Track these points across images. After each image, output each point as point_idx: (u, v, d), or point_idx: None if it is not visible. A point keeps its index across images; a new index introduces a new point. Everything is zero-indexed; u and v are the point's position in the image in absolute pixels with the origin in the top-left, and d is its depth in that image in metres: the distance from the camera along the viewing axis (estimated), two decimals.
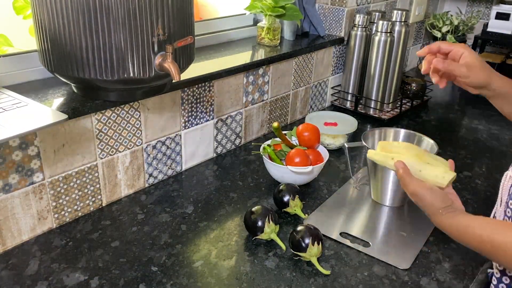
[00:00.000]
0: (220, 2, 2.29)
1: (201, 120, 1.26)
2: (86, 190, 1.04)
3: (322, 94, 1.72)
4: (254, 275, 0.89)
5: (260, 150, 1.21)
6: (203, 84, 1.22)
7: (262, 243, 0.98)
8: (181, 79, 0.99)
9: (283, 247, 0.96)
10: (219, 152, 1.36)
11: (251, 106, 1.41)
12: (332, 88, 1.75)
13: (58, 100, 0.96)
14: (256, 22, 1.62)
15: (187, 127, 1.23)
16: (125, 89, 0.96)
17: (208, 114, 1.27)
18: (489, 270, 0.90)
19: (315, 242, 0.90)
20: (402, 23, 1.61)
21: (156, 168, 1.19)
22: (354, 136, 1.43)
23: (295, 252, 0.92)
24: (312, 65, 1.61)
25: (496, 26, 2.07)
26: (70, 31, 0.83)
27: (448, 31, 2.14)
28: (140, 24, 0.85)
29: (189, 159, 1.27)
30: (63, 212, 1.01)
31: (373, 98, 1.65)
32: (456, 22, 2.13)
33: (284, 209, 1.07)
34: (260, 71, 1.39)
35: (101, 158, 1.05)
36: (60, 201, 1.00)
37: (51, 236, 0.98)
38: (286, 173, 1.15)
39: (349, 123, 1.45)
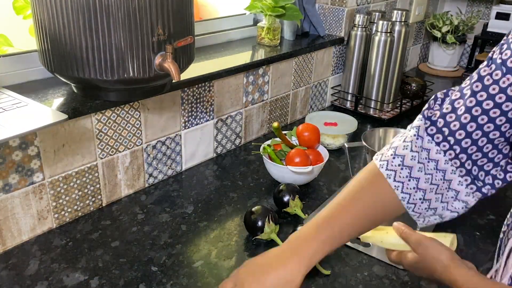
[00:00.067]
0: (220, 2, 2.29)
1: (201, 120, 1.26)
2: (86, 190, 1.04)
3: (322, 94, 1.72)
4: None
5: (260, 150, 1.21)
6: (203, 84, 1.22)
7: (262, 243, 0.98)
8: (181, 79, 0.99)
9: None
10: (219, 152, 1.36)
11: (251, 106, 1.41)
12: (332, 88, 1.75)
13: (58, 100, 0.96)
14: (256, 22, 1.62)
15: (187, 127, 1.23)
16: (125, 89, 0.96)
17: (208, 114, 1.27)
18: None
19: None
20: (402, 23, 1.61)
21: (156, 168, 1.19)
22: (354, 136, 1.43)
23: None
24: (312, 65, 1.61)
25: (496, 26, 2.07)
26: (70, 31, 0.83)
27: (448, 31, 2.14)
28: (140, 24, 0.85)
29: (189, 159, 1.27)
30: (63, 212, 1.01)
31: (373, 98, 1.65)
32: (456, 22, 2.13)
33: (284, 209, 1.07)
34: (260, 71, 1.39)
35: (101, 158, 1.05)
36: (60, 201, 1.00)
37: (51, 236, 0.98)
38: (286, 173, 1.14)
39: (349, 123, 1.45)
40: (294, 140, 1.27)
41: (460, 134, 0.66)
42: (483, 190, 0.69)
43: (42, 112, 0.87)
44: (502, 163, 0.68)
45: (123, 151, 1.09)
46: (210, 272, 0.90)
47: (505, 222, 0.77)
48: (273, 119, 1.51)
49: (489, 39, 2.14)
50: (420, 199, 0.69)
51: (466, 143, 0.66)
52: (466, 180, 0.68)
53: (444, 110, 0.68)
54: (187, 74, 1.14)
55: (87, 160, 1.02)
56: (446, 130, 0.67)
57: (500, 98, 0.61)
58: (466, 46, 2.29)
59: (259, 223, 0.96)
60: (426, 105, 0.74)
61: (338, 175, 1.27)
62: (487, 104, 0.62)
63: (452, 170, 0.68)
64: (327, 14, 1.69)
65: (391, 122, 1.62)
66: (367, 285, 0.88)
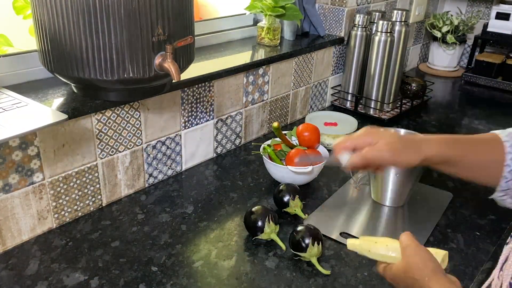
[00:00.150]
0: (220, 2, 2.29)
1: (201, 120, 1.26)
2: (86, 190, 1.04)
3: (322, 94, 1.72)
4: (254, 275, 0.89)
5: (260, 150, 1.21)
6: (203, 84, 1.22)
7: (262, 243, 0.98)
8: (181, 79, 0.99)
9: (283, 247, 0.96)
10: (219, 152, 1.36)
11: (251, 106, 1.41)
12: (332, 88, 1.75)
13: (58, 100, 0.96)
14: (256, 22, 1.62)
15: (187, 127, 1.23)
16: (125, 89, 0.96)
17: (208, 114, 1.27)
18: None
19: (315, 242, 0.90)
20: (402, 23, 1.61)
21: (156, 168, 1.19)
22: None
23: (295, 252, 0.92)
24: (312, 65, 1.61)
25: (496, 26, 2.07)
26: (70, 31, 0.83)
27: (448, 31, 2.14)
28: (140, 24, 0.85)
29: (189, 159, 1.27)
30: (63, 212, 1.01)
31: (373, 98, 1.65)
32: (456, 22, 2.13)
33: (284, 209, 1.07)
34: (260, 71, 1.39)
35: (101, 158, 1.05)
36: (60, 201, 1.00)
37: (51, 236, 0.98)
38: (286, 173, 1.15)
39: (349, 123, 1.45)
40: (294, 140, 1.27)
41: None
42: None
43: (42, 112, 0.87)
44: None
45: (123, 151, 1.09)
46: (210, 272, 0.90)
47: None
48: (273, 119, 1.51)
49: (489, 39, 2.14)
50: None
51: None
52: None
53: None
54: (187, 74, 1.14)
55: (87, 160, 1.02)
56: None
57: None
58: (466, 46, 2.29)
59: (259, 223, 0.96)
60: None
61: (338, 175, 1.27)
62: None
63: None
64: (327, 14, 1.69)
65: (391, 122, 1.62)
66: (367, 285, 0.88)
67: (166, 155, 1.20)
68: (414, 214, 1.10)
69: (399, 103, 1.70)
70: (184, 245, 0.97)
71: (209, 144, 1.32)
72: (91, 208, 1.07)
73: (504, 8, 2.04)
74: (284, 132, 1.25)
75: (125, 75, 0.88)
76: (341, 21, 1.67)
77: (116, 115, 1.04)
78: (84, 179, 1.03)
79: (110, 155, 1.06)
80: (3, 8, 1.13)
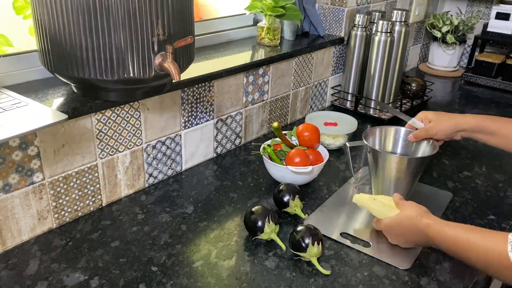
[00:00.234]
0: (220, 2, 2.29)
1: (201, 120, 1.26)
2: (86, 190, 1.04)
3: (322, 94, 1.72)
4: (254, 275, 0.89)
5: (260, 150, 1.21)
6: (203, 84, 1.22)
7: (262, 243, 0.98)
8: (181, 79, 0.99)
9: (283, 247, 0.96)
10: (219, 152, 1.36)
11: (251, 106, 1.41)
12: (332, 88, 1.75)
13: (58, 100, 0.96)
14: (256, 22, 1.62)
15: (187, 127, 1.23)
16: (125, 89, 0.96)
17: (208, 114, 1.27)
18: None
19: (315, 242, 0.90)
20: (402, 23, 1.61)
21: (156, 168, 1.19)
22: (354, 136, 1.43)
23: (295, 252, 0.92)
24: (312, 65, 1.61)
25: (496, 26, 2.07)
26: (70, 31, 0.83)
27: (448, 31, 2.14)
28: (140, 24, 0.85)
29: (189, 159, 1.27)
30: (63, 212, 1.01)
31: (373, 98, 1.65)
32: (456, 22, 2.13)
33: (284, 209, 1.07)
34: (260, 71, 1.39)
35: (101, 158, 1.05)
36: (60, 201, 1.00)
37: (51, 236, 0.98)
38: (286, 173, 1.14)
39: (349, 123, 1.45)
40: (294, 140, 1.27)
41: None
42: None
43: (42, 112, 0.87)
44: None
45: (123, 151, 1.09)
46: (210, 272, 0.90)
47: None
48: (273, 119, 1.51)
49: (489, 39, 2.14)
50: None
51: None
52: None
53: None
54: (187, 74, 1.14)
55: (87, 160, 1.02)
56: None
57: None
58: (466, 46, 2.29)
59: (259, 223, 0.96)
60: None
61: (338, 175, 1.27)
62: None
63: None
64: (327, 14, 1.69)
65: (391, 122, 1.62)
66: (367, 285, 0.88)
67: (166, 155, 1.20)
68: None
69: (399, 103, 1.70)
70: (184, 245, 0.97)
71: (209, 144, 1.32)
72: (91, 208, 1.07)
73: (504, 8, 2.04)
74: (284, 132, 1.25)
75: (125, 75, 0.88)
76: (341, 21, 1.67)
77: (116, 115, 1.04)
78: (84, 179, 1.03)
79: (110, 155, 1.06)
80: (3, 8, 1.13)
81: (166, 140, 1.18)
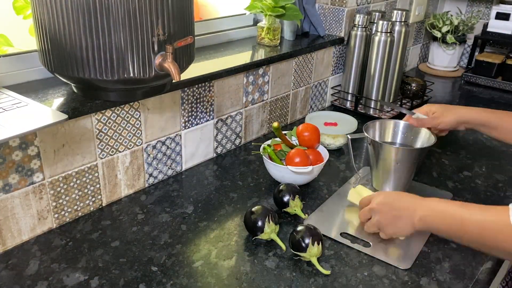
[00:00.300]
0: (220, 2, 2.29)
1: (201, 120, 1.26)
2: (86, 190, 1.04)
3: (322, 94, 1.72)
4: (254, 275, 0.89)
5: (260, 150, 1.21)
6: (203, 84, 1.22)
7: (262, 243, 0.98)
8: (181, 79, 0.99)
9: (283, 247, 0.96)
10: (219, 152, 1.36)
11: (251, 106, 1.41)
12: (332, 88, 1.75)
13: (58, 100, 0.96)
14: (256, 22, 1.62)
15: (187, 127, 1.23)
16: (125, 89, 0.96)
17: (208, 114, 1.27)
18: None
19: (315, 242, 0.90)
20: (402, 23, 1.61)
21: (156, 168, 1.19)
22: None
23: (295, 252, 0.92)
24: (312, 65, 1.61)
25: (496, 26, 2.07)
26: (70, 31, 0.83)
27: (448, 31, 2.14)
28: (140, 24, 0.85)
29: (189, 159, 1.27)
30: (63, 212, 1.01)
31: (373, 98, 1.65)
32: (456, 22, 2.13)
33: (284, 209, 1.07)
34: (260, 71, 1.39)
35: (101, 158, 1.05)
36: (60, 201, 1.00)
37: (51, 236, 0.98)
38: (286, 173, 1.14)
39: (349, 123, 1.46)
40: (294, 140, 1.27)
41: None
42: None
43: (42, 112, 0.87)
44: None
45: (123, 151, 1.09)
46: (210, 272, 0.90)
47: None
48: (273, 119, 1.51)
49: (489, 39, 2.14)
50: None
51: None
52: None
53: None
54: (187, 74, 1.14)
55: (87, 160, 1.02)
56: None
57: None
58: (466, 46, 2.29)
59: (259, 223, 0.96)
60: None
61: (338, 175, 1.27)
62: None
63: None
64: (327, 14, 1.69)
65: None
66: (367, 285, 0.88)
67: (166, 155, 1.20)
68: None
69: (399, 103, 1.70)
70: (184, 245, 0.97)
71: (209, 144, 1.32)
72: (91, 208, 1.07)
73: (504, 8, 2.04)
74: (284, 132, 1.25)
75: (125, 75, 0.88)
76: (341, 21, 1.67)
77: (116, 115, 1.04)
78: (84, 179, 1.03)
79: (110, 155, 1.06)
80: (3, 8, 1.13)
81: (166, 140, 1.18)
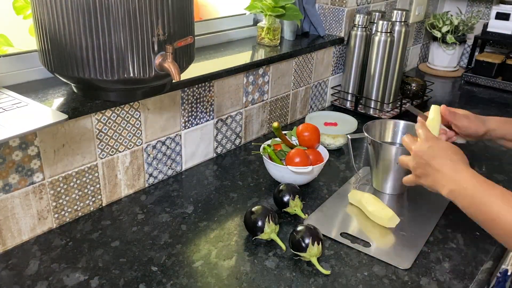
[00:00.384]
0: (220, 2, 2.29)
1: (201, 120, 1.26)
2: (86, 190, 1.04)
3: (322, 94, 1.72)
4: (254, 275, 0.89)
5: (260, 150, 1.21)
6: (203, 84, 1.22)
7: (262, 243, 0.98)
8: (181, 79, 0.99)
9: (283, 247, 0.96)
10: (219, 152, 1.36)
11: (251, 106, 1.41)
12: (332, 88, 1.75)
13: (58, 100, 0.96)
14: (256, 22, 1.62)
15: (187, 127, 1.23)
16: (125, 89, 0.96)
17: (208, 114, 1.27)
18: (503, 267, 0.92)
19: (315, 242, 0.90)
20: (402, 23, 1.61)
21: (156, 168, 1.19)
22: None
23: (295, 252, 0.92)
24: (312, 65, 1.61)
25: (496, 26, 2.07)
26: (70, 31, 0.83)
27: (448, 31, 2.14)
28: (140, 24, 0.85)
29: (189, 159, 1.27)
30: (63, 212, 1.01)
31: (373, 98, 1.65)
32: (456, 22, 2.13)
33: (284, 209, 1.07)
34: (260, 71, 1.39)
35: (101, 158, 1.05)
36: (60, 201, 1.00)
37: (51, 236, 0.98)
38: (286, 173, 1.15)
39: (349, 123, 1.46)
40: (294, 140, 1.27)
41: None
42: None
43: (42, 112, 0.87)
44: None
45: (123, 151, 1.09)
46: (210, 272, 0.90)
47: None
48: (273, 119, 1.51)
49: (489, 39, 2.14)
50: None
51: None
52: None
53: None
54: (187, 74, 1.14)
55: (87, 160, 1.02)
56: None
57: None
58: (466, 46, 2.29)
59: (259, 223, 0.96)
60: None
61: (338, 175, 1.27)
62: None
63: None
64: (327, 14, 1.69)
65: None
66: (367, 285, 0.88)
67: (166, 155, 1.20)
68: (414, 208, 1.13)
69: (399, 103, 1.70)
70: (184, 245, 0.97)
71: (209, 144, 1.32)
72: (91, 208, 1.07)
73: (504, 8, 2.04)
74: (284, 132, 1.25)
75: (125, 75, 0.88)
76: (341, 21, 1.67)
77: (116, 115, 1.04)
78: (84, 179, 1.03)
79: (110, 155, 1.06)
80: (3, 8, 1.14)
81: (166, 140, 1.18)
